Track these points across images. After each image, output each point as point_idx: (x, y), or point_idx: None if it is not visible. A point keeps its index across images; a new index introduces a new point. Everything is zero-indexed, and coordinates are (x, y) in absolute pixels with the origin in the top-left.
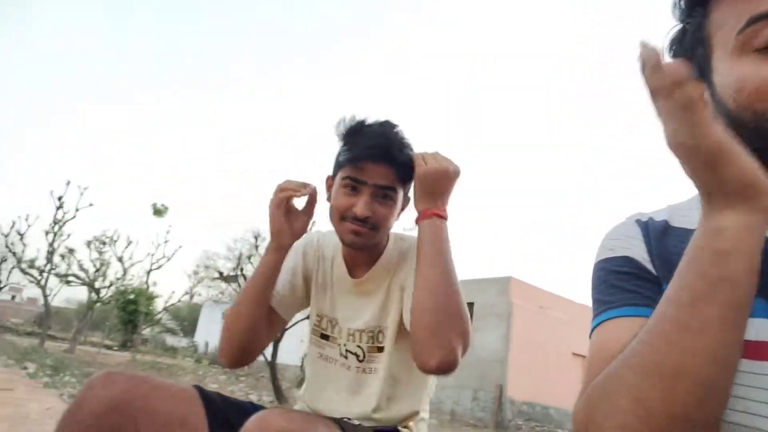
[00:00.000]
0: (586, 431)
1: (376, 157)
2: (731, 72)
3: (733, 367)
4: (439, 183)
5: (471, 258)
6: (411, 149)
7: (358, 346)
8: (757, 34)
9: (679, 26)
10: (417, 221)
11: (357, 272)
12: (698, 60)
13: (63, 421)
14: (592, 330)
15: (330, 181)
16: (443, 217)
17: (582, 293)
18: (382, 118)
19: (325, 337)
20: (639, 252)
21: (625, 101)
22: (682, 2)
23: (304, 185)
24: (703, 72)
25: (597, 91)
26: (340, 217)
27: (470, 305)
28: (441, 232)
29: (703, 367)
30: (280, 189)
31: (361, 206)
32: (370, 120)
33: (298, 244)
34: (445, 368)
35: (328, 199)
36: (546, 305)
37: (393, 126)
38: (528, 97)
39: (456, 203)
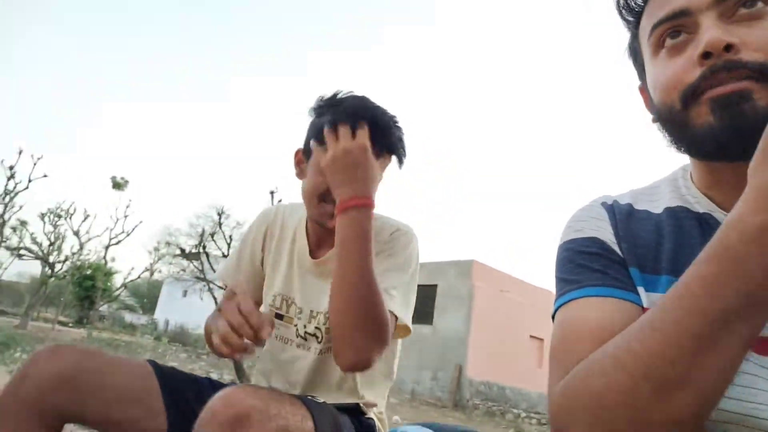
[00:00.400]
0: (564, 422)
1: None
2: (650, 73)
3: (733, 376)
4: (347, 166)
5: (436, 241)
6: (394, 121)
7: (317, 328)
8: (660, 37)
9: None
10: (337, 212)
11: (319, 251)
12: (639, 65)
13: (2, 398)
14: (557, 309)
15: (300, 155)
16: (366, 205)
17: (540, 277)
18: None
19: (279, 316)
20: (606, 234)
21: (598, 90)
22: (622, 16)
23: (255, 339)
24: (642, 76)
25: (577, 82)
26: (319, 198)
27: (433, 287)
28: (360, 227)
29: (713, 382)
30: (224, 340)
31: None
32: (348, 93)
33: (257, 223)
34: (358, 368)
35: (299, 175)
36: (506, 288)
37: (372, 101)
38: (506, 86)
39: (425, 188)
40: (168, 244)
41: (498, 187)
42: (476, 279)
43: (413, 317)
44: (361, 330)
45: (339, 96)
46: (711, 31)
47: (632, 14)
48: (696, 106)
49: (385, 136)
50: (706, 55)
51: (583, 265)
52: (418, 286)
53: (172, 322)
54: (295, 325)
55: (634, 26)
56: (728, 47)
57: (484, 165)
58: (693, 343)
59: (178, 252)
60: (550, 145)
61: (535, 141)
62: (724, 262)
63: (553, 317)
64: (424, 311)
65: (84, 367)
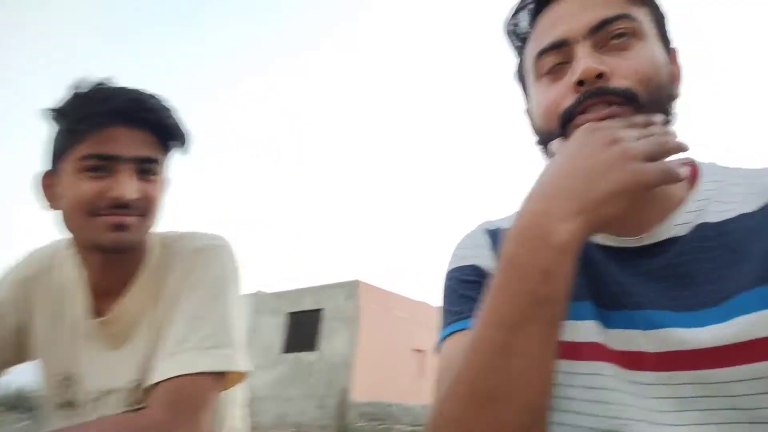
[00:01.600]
0: None
1: (129, 119)
2: (533, 97)
3: (552, 385)
4: None
5: (320, 263)
6: (169, 107)
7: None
8: (542, 65)
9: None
10: None
11: (105, 304)
12: (524, 89)
13: None
14: (441, 341)
15: (48, 179)
16: None
17: (421, 291)
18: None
19: (69, 405)
20: (487, 261)
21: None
22: (510, 40)
23: None
24: (527, 99)
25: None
26: (89, 212)
27: (319, 312)
28: None
29: (528, 390)
30: None
31: (122, 187)
32: (88, 82)
33: (20, 275)
34: None
35: (52, 204)
36: (391, 306)
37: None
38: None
39: (304, 208)
40: None
41: (380, 204)
42: (362, 299)
43: (296, 346)
44: None
45: (101, 84)
46: (585, 60)
47: (518, 39)
48: (572, 131)
49: (168, 131)
50: (580, 82)
51: (465, 295)
52: (302, 312)
53: (15, 384)
54: (87, 411)
55: (520, 51)
56: (600, 75)
57: (365, 182)
58: (495, 353)
59: None
60: (430, 163)
61: (411, 159)
62: (507, 269)
63: (439, 351)
64: (309, 338)
65: None
